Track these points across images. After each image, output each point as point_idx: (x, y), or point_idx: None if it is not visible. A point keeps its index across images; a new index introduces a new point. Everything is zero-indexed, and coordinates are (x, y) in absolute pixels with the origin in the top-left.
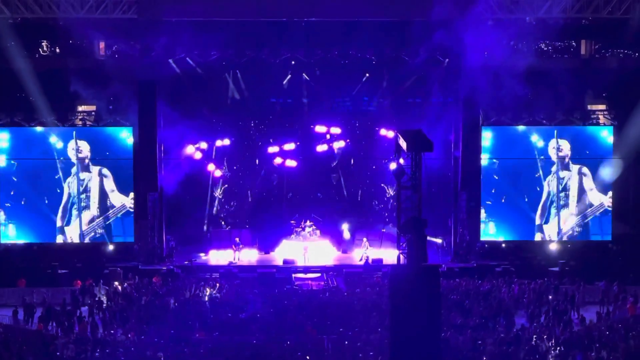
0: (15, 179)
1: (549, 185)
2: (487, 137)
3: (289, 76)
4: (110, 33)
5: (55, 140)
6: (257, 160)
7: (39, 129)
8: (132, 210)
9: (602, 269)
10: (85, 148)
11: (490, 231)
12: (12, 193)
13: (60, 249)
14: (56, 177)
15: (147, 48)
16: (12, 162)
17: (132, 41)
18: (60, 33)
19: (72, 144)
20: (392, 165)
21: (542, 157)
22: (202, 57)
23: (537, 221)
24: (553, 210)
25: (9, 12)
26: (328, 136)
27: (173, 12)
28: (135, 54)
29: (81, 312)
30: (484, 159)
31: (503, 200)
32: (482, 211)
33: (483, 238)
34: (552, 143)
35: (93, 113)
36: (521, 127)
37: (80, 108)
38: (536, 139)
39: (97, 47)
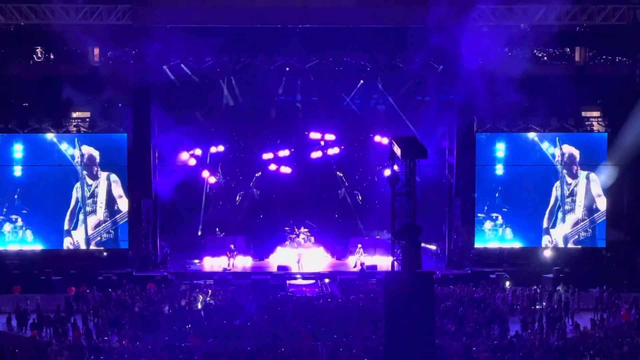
0: (20, 188)
1: (557, 190)
2: (500, 149)
3: (284, 82)
4: (104, 39)
5: (66, 147)
6: (258, 170)
7: (48, 136)
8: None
9: (597, 275)
10: (95, 154)
11: (507, 237)
12: (15, 196)
13: (55, 256)
14: (67, 183)
15: (142, 54)
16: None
17: (127, 47)
18: (55, 40)
19: (77, 151)
20: (387, 172)
21: (550, 164)
22: (197, 64)
23: (545, 225)
24: (560, 215)
25: (3, 18)
26: (322, 143)
27: (167, 18)
28: (130, 60)
29: (75, 319)
30: (499, 169)
31: (505, 209)
32: (500, 217)
33: (501, 244)
34: (562, 149)
35: (87, 119)
36: (531, 135)
37: (75, 114)
38: (547, 146)
39: (92, 54)
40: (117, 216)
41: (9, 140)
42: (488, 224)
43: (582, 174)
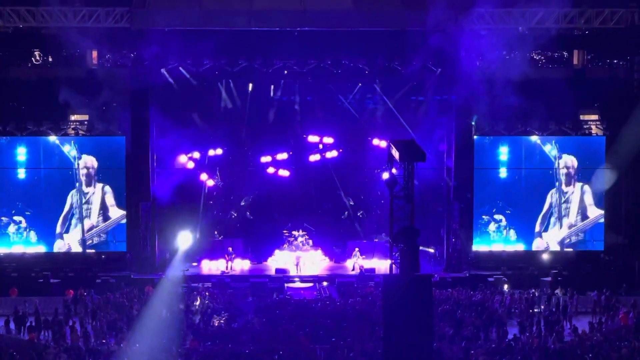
0: (24, 190)
1: (552, 197)
2: (503, 152)
3: (282, 85)
4: (102, 42)
5: (68, 149)
6: (255, 176)
7: (51, 139)
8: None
9: (595, 279)
10: (94, 163)
11: (511, 238)
12: (19, 202)
13: (53, 259)
14: (69, 185)
15: (140, 57)
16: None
17: (125, 50)
18: (53, 42)
19: (75, 152)
20: (385, 175)
21: (550, 170)
22: (195, 66)
23: (537, 228)
24: (552, 220)
25: (1, 21)
26: (321, 146)
27: (165, 21)
28: (128, 63)
29: (74, 322)
30: (503, 172)
31: (508, 211)
32: (504, 219)
33: (506, 246)
34: (562, 160)
35: (85, 122)
36: (534, 138)
37: (73, 117)
38: (549, 149)
39: (90, 57)
40: (108, 221)
41: (12, 143)
42: (492, 226)
43: (578, 185)
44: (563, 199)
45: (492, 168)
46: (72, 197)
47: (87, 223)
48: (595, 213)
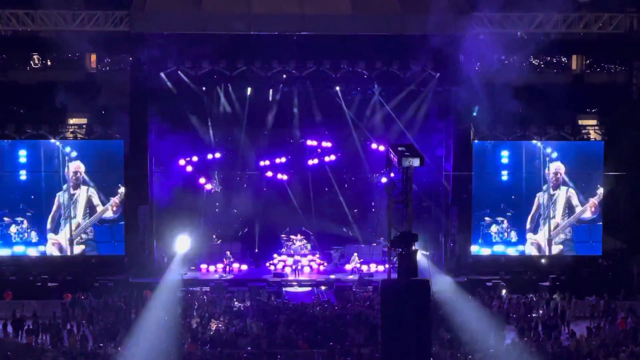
0: (25, 191)
1: (539, 199)
2: (505, 155)
3: (280, 89)
4: (101, 46)
5: (69, 150)
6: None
7: (52, 140)
8: (108, 216)
9: (593, 284)
10: (81, 168)
11: (512, 239)
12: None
13: (51, 262)
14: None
15: (138, 61)
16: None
17: (123, 54)
18: (51, 46)
19: (69, 163)
20: (384, 179)
21: (545, 171)
22: (194, 70)
23: (527, 232)
24: (542, 221)
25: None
26: (319, 150)
27: (164, 25)
28: (127, 66)
29: (71, 325)
30: (504, 175)
31: (509, 213)
32: (505, 221)
33: (508, 248)
34: (552, 166)
35: (84, 126)
36: (534, 141)
37: (71, 121)
38: (550, 151)
39: (88, 60)
40: (93, 216)
41: (14, 146)
42: (494, 228)
43: (563, 188)
44: (551, 201)
45: (490, 172)
46: (59, 198)
47: (74, 223)
48: (579, 209)
